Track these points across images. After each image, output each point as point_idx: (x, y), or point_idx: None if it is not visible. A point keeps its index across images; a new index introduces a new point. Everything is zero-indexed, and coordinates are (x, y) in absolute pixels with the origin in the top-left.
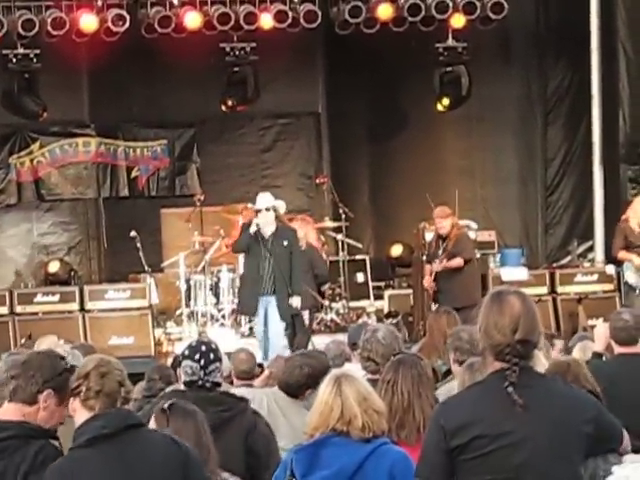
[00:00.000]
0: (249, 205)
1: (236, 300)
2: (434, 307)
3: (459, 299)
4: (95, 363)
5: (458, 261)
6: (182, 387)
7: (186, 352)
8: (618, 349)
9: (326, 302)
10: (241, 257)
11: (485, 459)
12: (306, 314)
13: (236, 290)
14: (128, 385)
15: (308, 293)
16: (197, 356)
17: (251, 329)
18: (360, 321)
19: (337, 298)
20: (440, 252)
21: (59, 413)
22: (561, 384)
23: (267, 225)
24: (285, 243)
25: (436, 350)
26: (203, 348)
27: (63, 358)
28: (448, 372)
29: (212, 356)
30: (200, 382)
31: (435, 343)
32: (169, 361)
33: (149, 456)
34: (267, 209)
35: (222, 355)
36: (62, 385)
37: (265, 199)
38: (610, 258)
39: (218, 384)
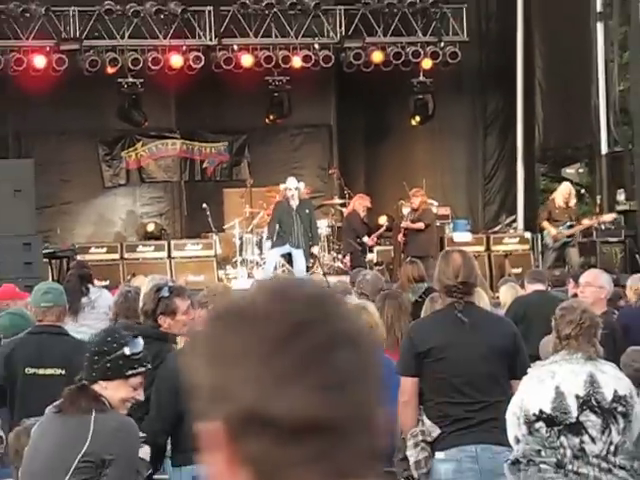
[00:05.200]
0: (281, 185)
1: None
2: (404, 257)
3: (420, 250)
4: (222, 289)
5: (420, 224)
6: None
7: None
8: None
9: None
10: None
11: (440, 362)
12: (348, 257)
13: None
14: None
15: (348, 243)
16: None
17: (284, 272)
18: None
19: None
20: (410, 218)
21: (181, 322)
22: (488, 311)
23: (295, 199)
24: (307, 211)
25: (405, 288)
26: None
27: (159, 290)
28: (415, 302)
29: None
30: None
31: (404, 283)
32: None
33: None
34: (296, 188)
35: None
36: (165, 308)
37: (293, 181)
38: (527, 227)
39: None
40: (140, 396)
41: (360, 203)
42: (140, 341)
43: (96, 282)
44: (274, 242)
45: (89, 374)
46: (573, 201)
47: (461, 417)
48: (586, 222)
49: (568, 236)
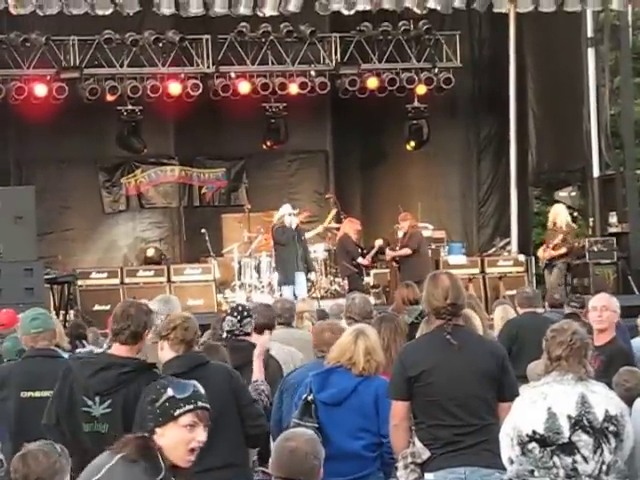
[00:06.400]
0: (280, 212)
1: (271, 275)
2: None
3: (415, 275)
4: (181, 320)
5: (405, 251)
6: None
7: (229, 311)
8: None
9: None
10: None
11: (431, 385)
12: (345, 280)
13: (271, 269)
14: (198, 333)
15: (344, 266)
16: (235, 314)
17: (281, 295)
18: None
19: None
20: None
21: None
22: (476, 333)
23: (293, 225)
24: (303, 238)
25: (400, 310)
26: (240, 309)
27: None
28: (411, 324)
29: (245, 314)
30: (237, 332)
31: (399, 305)
32: None
33: (211, 384)
34: (292, 214)
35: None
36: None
37: (290, 207)
38: (521, 250)
39: (248, 333)
40: (202, 437)
41: (350, 227)
42: (187, 383)
43: (97, 306)
44: (283, 278)
45: (147, 425)
46: (562, 222)
47: (452, 440)
48: (557, 243)
49: (549, 259)
